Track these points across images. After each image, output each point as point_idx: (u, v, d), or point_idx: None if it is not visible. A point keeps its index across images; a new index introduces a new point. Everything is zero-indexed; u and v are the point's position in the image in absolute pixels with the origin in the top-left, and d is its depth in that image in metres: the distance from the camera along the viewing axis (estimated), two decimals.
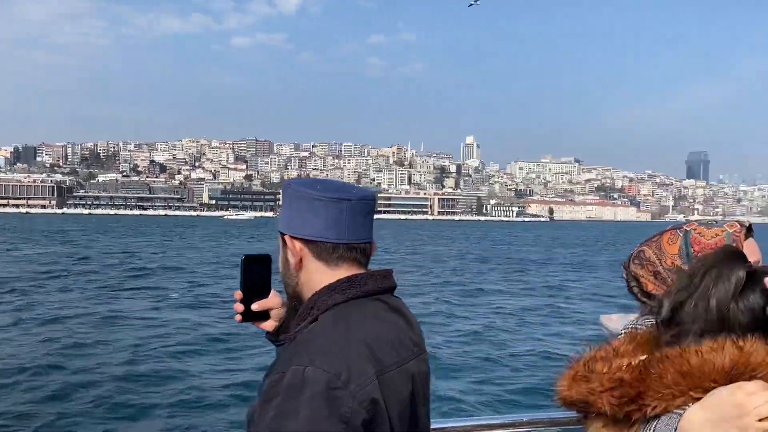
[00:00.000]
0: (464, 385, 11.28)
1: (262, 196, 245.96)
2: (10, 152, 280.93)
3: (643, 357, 1.20)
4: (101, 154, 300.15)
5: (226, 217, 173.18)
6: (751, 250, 1.61)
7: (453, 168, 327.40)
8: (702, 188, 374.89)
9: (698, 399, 1.11)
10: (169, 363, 12.23)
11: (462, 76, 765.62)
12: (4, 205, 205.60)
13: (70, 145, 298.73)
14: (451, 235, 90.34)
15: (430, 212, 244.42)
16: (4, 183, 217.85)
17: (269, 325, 1.57)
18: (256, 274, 1.53)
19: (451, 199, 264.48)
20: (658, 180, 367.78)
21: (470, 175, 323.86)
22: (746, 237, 1.64)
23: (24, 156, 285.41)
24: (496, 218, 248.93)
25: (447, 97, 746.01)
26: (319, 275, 1.35)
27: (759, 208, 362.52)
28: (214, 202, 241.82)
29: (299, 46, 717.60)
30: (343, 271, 1.35)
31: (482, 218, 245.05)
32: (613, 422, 1.20)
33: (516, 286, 27.14)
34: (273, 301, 1.56)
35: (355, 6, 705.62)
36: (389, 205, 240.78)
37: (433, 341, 14.73)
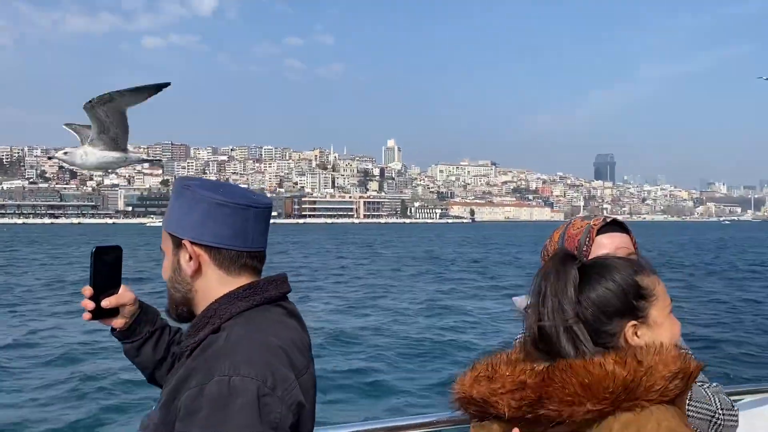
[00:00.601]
0: None
1: None
2: None
3: (547, 363, 1.21)
4: (4, 160, 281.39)
5: (148, 224, 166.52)
6: (605, 243, 1.68)
7: (376, 171, 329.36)
8: (609, 189, 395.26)
9: (596, 410, 1.13)
10: None
11: (381, 79, 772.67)
12: None
13: None
14: (388, 239, 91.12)
15: (355, 215, 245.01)
16: None
17: (119, 322, 1.50)
18: (107, 268, 1.44)
19: (376, 202, 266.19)
20: (569, 181, 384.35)
21: (393, 178, 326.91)
22: (603, 231, 1.71)
23: None
24: (421, 220, 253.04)
25: (367, 100, 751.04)
26: (218, 284, 1.31)
27: (662, 207, 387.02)
28: (130, 208, 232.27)
29: (214, 47, 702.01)
30: (243, 279, 1.33)
31: (407, 221, 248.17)
32: (507, 428, 1.21)
33: (484, 286, 27.99)
34: (125, 296, 1.48)
35: (270, 9, 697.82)
36: (314, 209, 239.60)
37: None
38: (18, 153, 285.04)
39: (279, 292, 1.35)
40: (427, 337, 15.66)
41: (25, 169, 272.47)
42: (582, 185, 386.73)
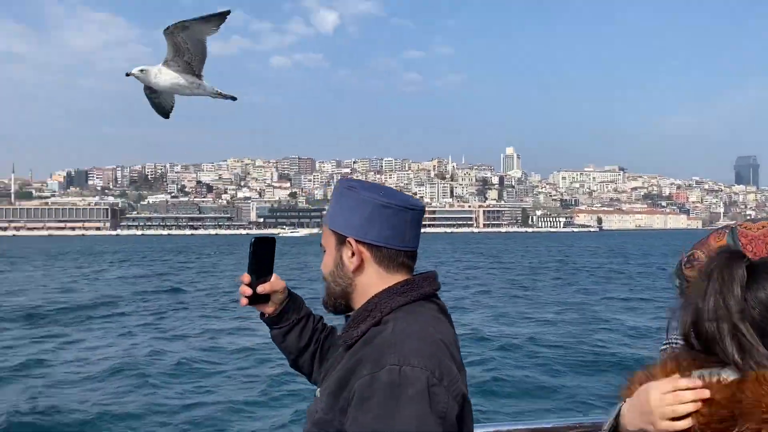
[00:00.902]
0: None
1: (309, 213, 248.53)
2: (63, 177, 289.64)
3: (734, 377, 1.16)
4: (149, 176, 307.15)
5: (281, 235, 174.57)
6: None
7: (495, 179, 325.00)
8: (753, 193, 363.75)
9: None
10: None
11: (499, 86, 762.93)
12: (62, 228, 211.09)
13: (119, 168, 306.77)
14: (514, 248, 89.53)
15: (475, 224, 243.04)
16: (60, 207, 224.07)
17: (270, 308, 1.62)
18: (263, 257, 1.54)
19: (496, 211, 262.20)
20: (706, 186, 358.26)
21: (513, 187, 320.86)
22: None
23: (76, 180, 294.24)
24: (543, 229, 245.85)
25: (485, 109, 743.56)
26: (377, 279, 1.39)
27: None
28: (262, 220, 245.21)
29: (336, 63, 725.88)
30: (399, 276, 1.40)
31: (529, 230, 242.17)
32: None
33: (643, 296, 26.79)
34: (277, 284, 1.59)
35: (390, 24, 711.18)
36: (434, 219, 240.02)
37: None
38: (161, 169, 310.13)
39: (432, 288, 1.42)
40: (590, 349, 15.24)
41: (167, 184, 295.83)
42: (721, 190, 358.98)
